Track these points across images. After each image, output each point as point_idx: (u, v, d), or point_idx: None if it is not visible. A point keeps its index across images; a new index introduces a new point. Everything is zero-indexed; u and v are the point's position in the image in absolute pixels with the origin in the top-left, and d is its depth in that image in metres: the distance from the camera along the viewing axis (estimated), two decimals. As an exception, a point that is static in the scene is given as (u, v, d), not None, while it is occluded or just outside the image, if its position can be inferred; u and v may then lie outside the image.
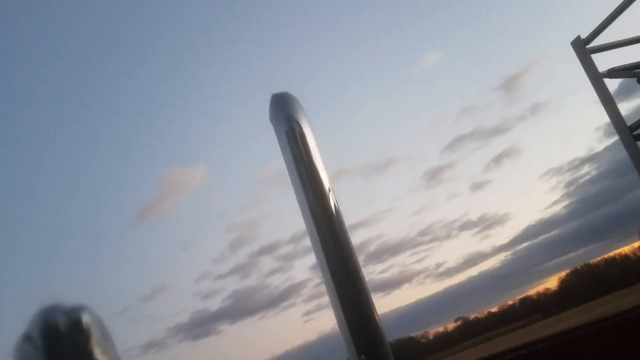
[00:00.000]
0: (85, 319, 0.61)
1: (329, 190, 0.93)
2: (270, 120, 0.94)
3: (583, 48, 3.91)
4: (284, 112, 0.92)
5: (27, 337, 0.60)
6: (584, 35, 3.94)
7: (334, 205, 0.92)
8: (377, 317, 0.91)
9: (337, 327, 0.91)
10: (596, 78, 3.88)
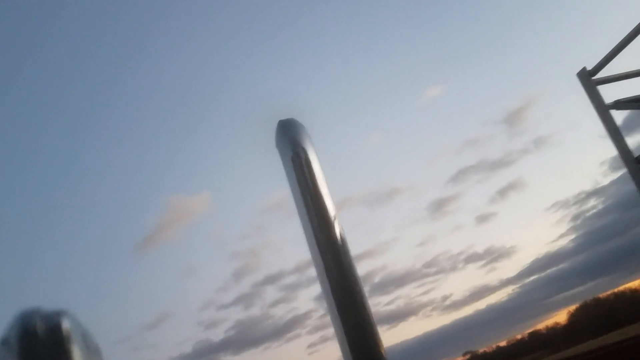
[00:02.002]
0: (65, 324, 0.59)
1: (334, 217, 0.92)
2: (276, 146, 0.94)
3: (589, 79, 3.92)
4: (290, 138, 0.92)
5: (4, 342, 0.57)
6: (589, 67, 3.97)
7: (339, 232, 0.91)
8: (382, 349, 0.88)
9: (342, 360, 0.88)
10: (602, 110, 3.88)
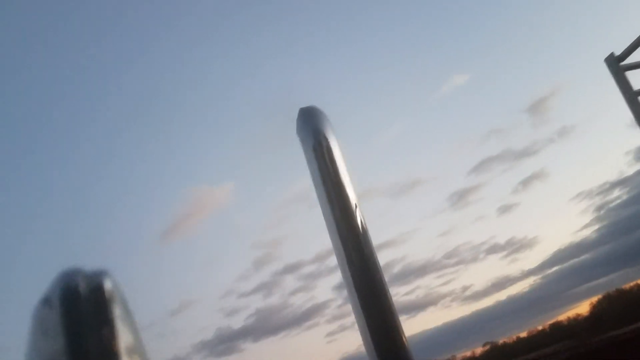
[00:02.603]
0: (108, 284, 0.57)
1: (356, 206, 0.91)
2: (298, 134, 0.93)
3: (617, 65, 3.82)
4: (312, 126, 0.91)
5: (46, 300, 0.56)
6: (617, 53, 3.87)
7: (361, 221, 0.90)
8: (404, 338, 0.88)
9: (360, 349, 0.88)
10: (630, 96, 3.78)
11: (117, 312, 0.57)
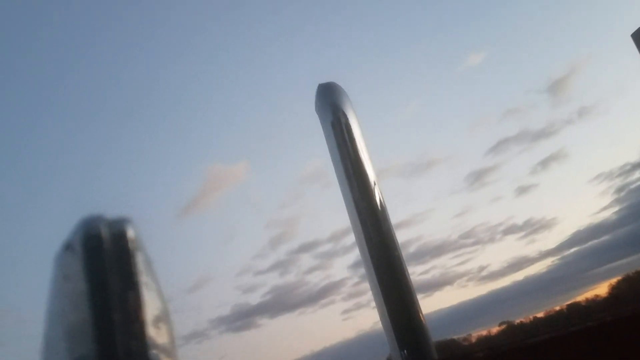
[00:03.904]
0: (130, 231, 0.57)
1: (375, 183, 0.91)
2: (316, 111, 0.92)
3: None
4: (330, 102, 0.90)
5: (68, 246, 0.56)
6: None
7: (379, 198, 0.90)
8: (421, 314, 0.88)
9: (376, 326, 0.88)
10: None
11: (140, 259, 0.57)
